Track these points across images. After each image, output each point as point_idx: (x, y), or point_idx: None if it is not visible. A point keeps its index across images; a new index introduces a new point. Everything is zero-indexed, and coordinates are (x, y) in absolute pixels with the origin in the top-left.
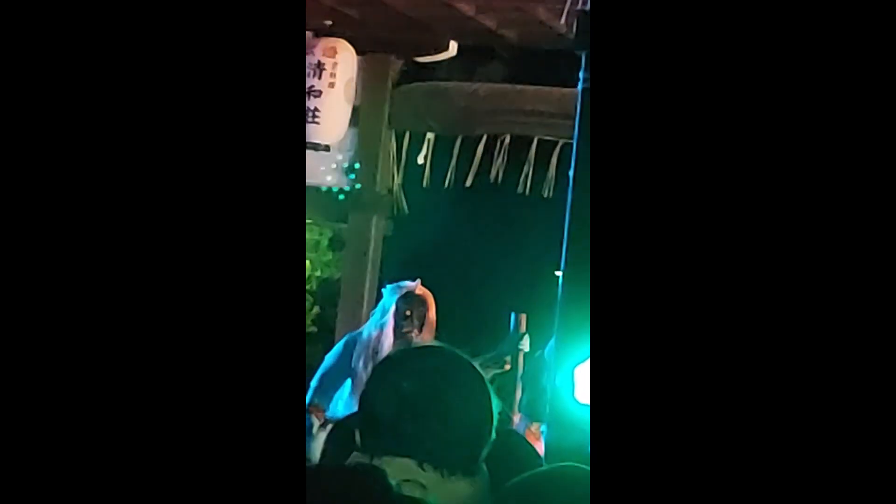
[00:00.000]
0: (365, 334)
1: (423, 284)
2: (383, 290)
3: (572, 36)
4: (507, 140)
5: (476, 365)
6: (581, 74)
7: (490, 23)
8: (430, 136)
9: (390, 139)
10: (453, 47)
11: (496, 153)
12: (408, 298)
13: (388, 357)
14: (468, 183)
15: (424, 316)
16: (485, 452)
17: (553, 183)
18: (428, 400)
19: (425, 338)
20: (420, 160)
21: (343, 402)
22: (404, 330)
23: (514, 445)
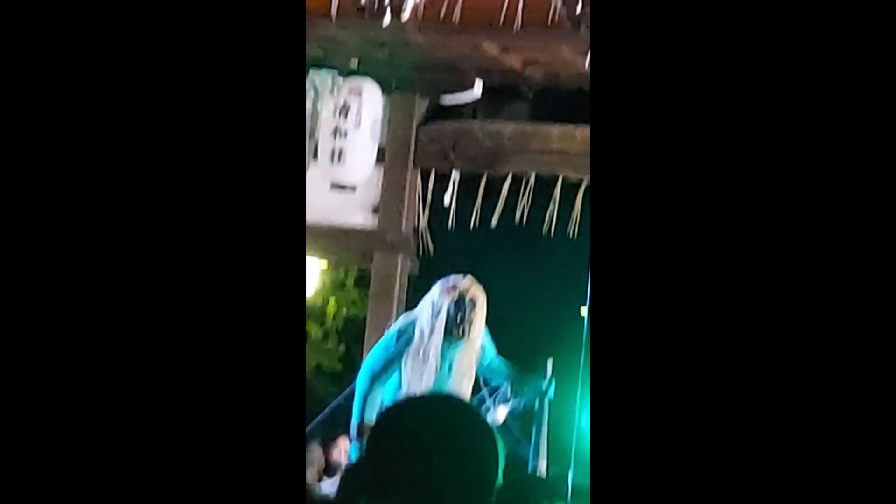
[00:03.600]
0: (416, 335)
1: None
2: (434, 285)
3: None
4: (532, 179)
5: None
6: None
7: (515, 62)
8: (455, 175)
9: (416, 179)
10: (478, 87)
11: (521, 193)
12: (460, 302)
13: (395, 405)
14: (493, 223)
15: (473, 318)
16: (492, 501)
17: (578, 222)
18: (433, 449)
19: (473, 339)
20: (446, 200)
21: (391, 393)
22: (454, 333)
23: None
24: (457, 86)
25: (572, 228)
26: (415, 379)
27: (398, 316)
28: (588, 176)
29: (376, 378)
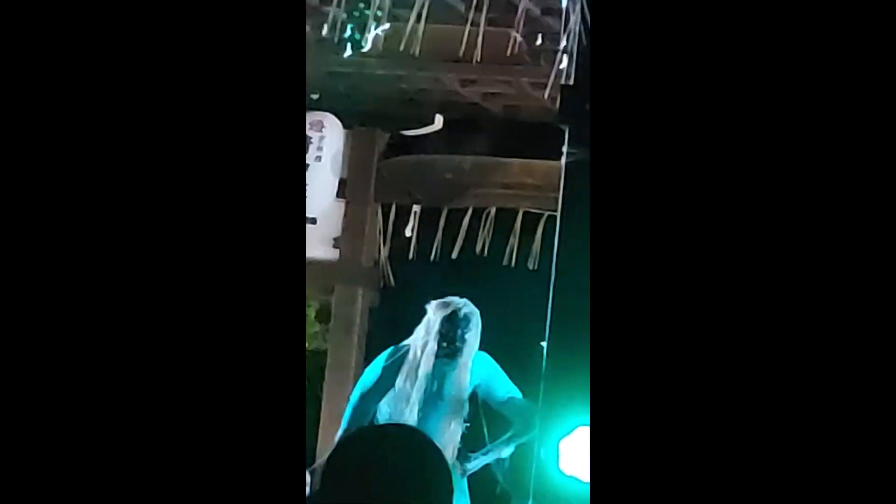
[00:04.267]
0: (410, 352)
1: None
2: (427, 305)
3: (556, 109)
4: (493, 212)
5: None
6: (565, 148)
7: (475, 96)
8: (416, 208)
9: (377, 212)
10: (439, 120)
11: (482, 225)
12: (452, 319)
13: (352, 434)
14: (454, 255)
15: (465, 338)
16: None
17: (538, 255)
18: (386, 478)
19: (465, 356)
20: (407, 232)
21: (385, 408)
22: (446, 351)
23: None
24: (418, 119)
25: (533, 260)
26: (402, 395)
27: (360, 349)
28: (549, 209)
29: (366, 393)
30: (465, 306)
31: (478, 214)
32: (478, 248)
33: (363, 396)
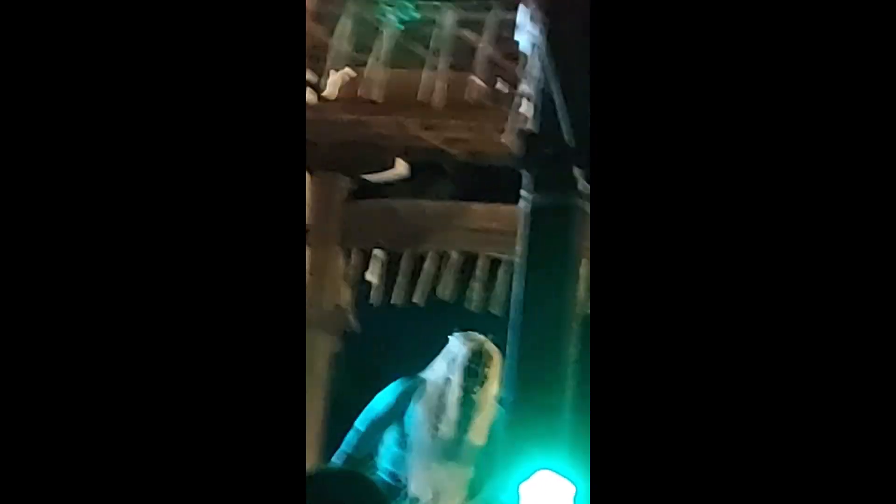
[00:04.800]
0: (430, 384)
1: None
2: (451, 336)
3: (517, 154)
4: (455, 257)
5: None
6: (524, 192)
7: (437, 141)
8: (379, 253)
9: (339, 257)
10: (401, 165)
11: (445, 270)
12: (477, 354)
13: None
14: (417, 300)
15: (488, 373)
16: None
17: (502, 300)
18: None
19: (488, 395)
20: (369, 277)
21: (390, 453)
22: (470, 388)
23: None
24: (380, 164)
25: (496, 305)
26: (425, 430)
27: (323, 395)
28: (511, 254)
29: (375, 423)
30: (487, 343)
31: (441, 259)
32: (441, 293)
33: (372, 423)
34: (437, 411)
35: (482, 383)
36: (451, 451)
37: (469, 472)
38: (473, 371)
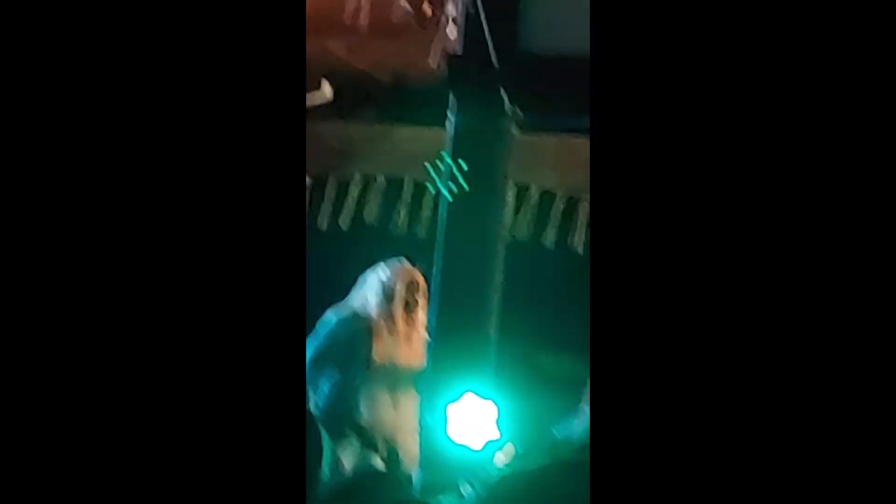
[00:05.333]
0: (368, 319)
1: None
2: (378, 267)
3: (443, 76)
4: (382, 181)
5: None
6: (451, 115)
7: (362, 64)
8: (305, 179)
9: None
10: (326, 88)
11: (371, 194)
12: (412, 286)
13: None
14: (343, 225)
15: (418, 302)
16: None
17: (427, 223)
18: None
19: (419, 321)
20: None
21: (326, 393)
22: (405, 318)
23: None
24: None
25: (422, 228)
26: (376, 366)
27: None
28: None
29: (312, 369)
30: (415, 269)
31: (367, 183)
32: (367, 218)
33: (314, 364)
34: (372, 344)
35: (413, 311)
36: (392, 381)
37: (413, 399)
38: (410, 304)
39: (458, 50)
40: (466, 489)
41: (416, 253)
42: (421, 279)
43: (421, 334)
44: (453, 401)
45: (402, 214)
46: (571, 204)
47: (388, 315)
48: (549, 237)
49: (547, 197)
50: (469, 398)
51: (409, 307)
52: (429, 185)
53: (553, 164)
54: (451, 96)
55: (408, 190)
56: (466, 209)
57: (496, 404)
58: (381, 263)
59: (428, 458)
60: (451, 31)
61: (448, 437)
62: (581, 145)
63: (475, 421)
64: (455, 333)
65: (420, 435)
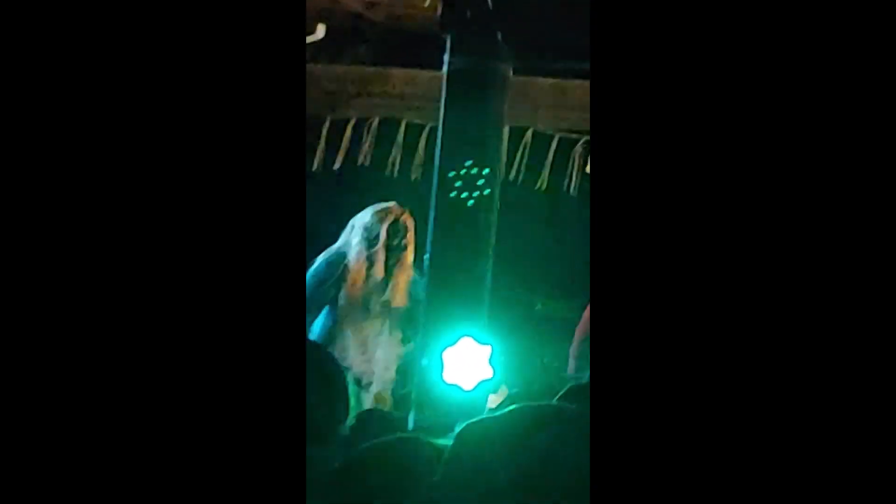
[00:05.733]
0: (352, 259)
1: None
2: (361, 213)
3: (439, 18)
4: (376, 123)
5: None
6: (446, 57)
7: (356, 4)
8: None
9: None
10: (320, 30)
11: (364, 136)
12: (396, 228)
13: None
14: (336, 166)
15: (406, 244)
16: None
17: (422, 166)
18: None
19: (406, 263)
20: None
21: (319, 334)
22: (391, 262)
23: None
24: None
25: (416, 172)
26: (354, 309)
27: None
28: (431, 120)
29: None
30: (404, 213)
31: (360, 125)
32: (360, 160)
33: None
34: (366, 289)
35: (401, 253)
36: (379, 323)
37: (398, 337)
38: (393, 246)
39: None
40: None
41: (410, 196)
42: (410, 221)
43: (408, 276)
44: (450, 345)
45: (396, 157)
46: (566, 146)
47: (368, 258)
48: (543, 179)
49: (541, 138)
50: (465, 342)
51: (395, 250)
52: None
53: (548, 106)
54: (446, 38)
55: (402, 132)
56: (462, 150)
57: (491, 345)
58: (370, 207)
59: (423, 401)
60: None
61: (443, 381)
62: (577, 87)
63: (470, 363)
64: (450, 277)
65: (416, 377)
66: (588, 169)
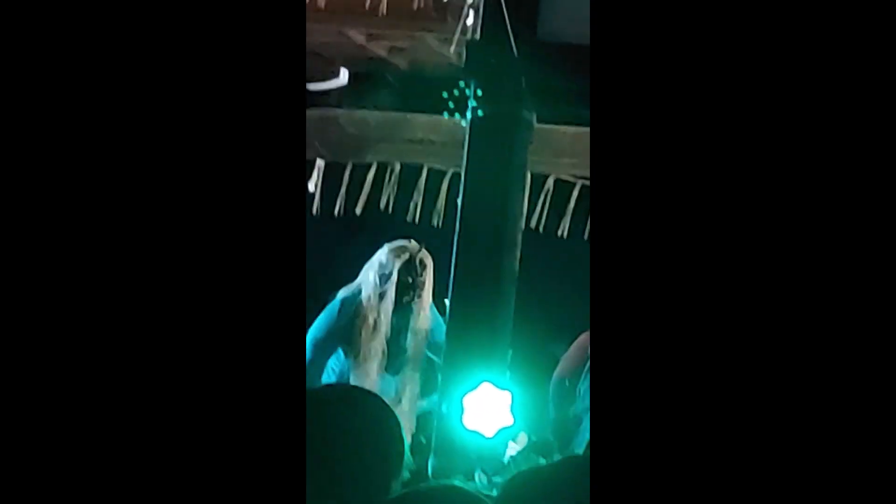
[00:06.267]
0: (364, 298)
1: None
2: (381, 250)
3: (462, 65)
4: (398, 168)
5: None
6: (469, 104)
7: (381, 51)
8: (320, 163)
9: None
10: (344, 75)
11: (386, 181)
12: (410, 265)
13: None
14: (358, 211)
15: (423, 282)
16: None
17: (443, 212)
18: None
19: (424, 302)
20: (310, 187)
21: (335, 372)
22: (405, 299)
23: None
24: (322, 73)
25: (437, 218)
26: (366, 347)
27: None
28: (453, 166)
29: (319, 348)
30: (421, 251)
31: (382, 170)
32: (382, 205)
33: (315, 347)
34: (376, 326)
35: (418, 292)
36: (395, 363)
37: (416, 380)
38: (407, 283)
39: (478, 38)
40: (480, 476)
41: (431, 242)
42: (428, 258)
43: (425, 314)
44: (470, 390)
45: (418, 203)
46: (587, 193)
47: (380, 295)
48: (564, 226)
49: (563, 186)
50: (485, 387)
51: (408, 288)
52: (445, 113)
53: (570, 154)
54: (470, 84)
55: (424, 178)
56: (483, 197)
57: (511, 392)
58: (387, 244)
59: (443, 447)
60: (471, 19)
61: (463, 427)
62: None
63: (490, 409)
64: (471, 322)
65: (436, 422)
66: None
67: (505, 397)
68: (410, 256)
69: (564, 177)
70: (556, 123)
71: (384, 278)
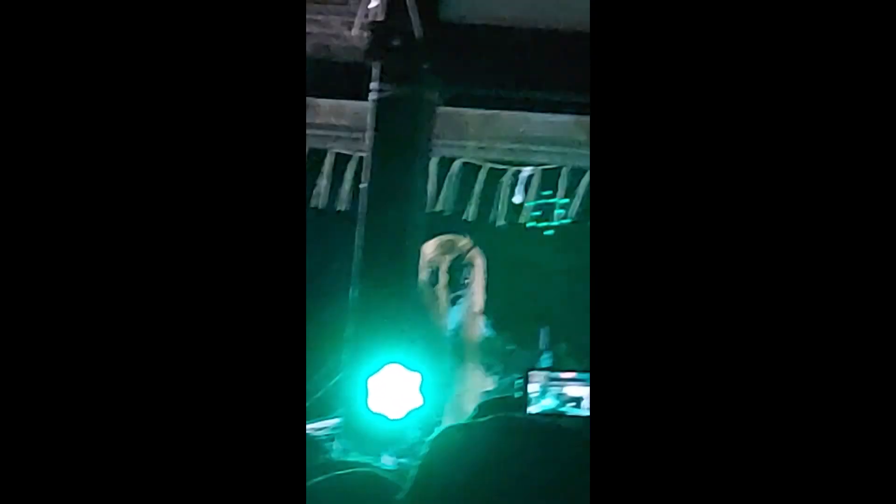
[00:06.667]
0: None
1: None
2: (428, 244)
3: (365, 48)
4: (305, 153)
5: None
6: (372, 86)
7: None
8: None
9: None
10: None
11: None
12: (457, 262)
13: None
14: None
15: (472, 282)
16: None
17: (349, 196)
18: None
19: (474, 304)
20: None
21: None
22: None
23: None
24: None
25: (343, 202)
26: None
27: None
28: (358, 150)
29: None
30: (473, 249)
31: None
32: None
33: None
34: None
35: (464, 294)
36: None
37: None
38: (454, 282)
39: (380, 21)
40: (389, 460)
41: (336, 224)
42: (479, 258)
43: (477, 313)
44: (373, 373)
45: (325, 188)
46: (494, 176)
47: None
48: (471, 210)
49: (469, 169)
50: (392, 369)
51: (454, 284)
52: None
53: (475, 136)
54: (372, 68)
55: (329, 163)
56: (389, 180)
57: (421, 373)
58: (435, 238)
59: (349, 430)
60: (373, 1)
61: (369, 410)
62: (504, 117)
63: (398, 391)
64: (376, 306)
65: (341, 407)
66: (514, 199)
67: (414, 378)
68: (459, 255)
69: (470, 160)
70: (462, 106)
71: (433, 276)
